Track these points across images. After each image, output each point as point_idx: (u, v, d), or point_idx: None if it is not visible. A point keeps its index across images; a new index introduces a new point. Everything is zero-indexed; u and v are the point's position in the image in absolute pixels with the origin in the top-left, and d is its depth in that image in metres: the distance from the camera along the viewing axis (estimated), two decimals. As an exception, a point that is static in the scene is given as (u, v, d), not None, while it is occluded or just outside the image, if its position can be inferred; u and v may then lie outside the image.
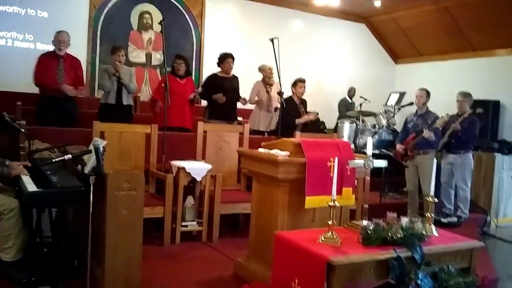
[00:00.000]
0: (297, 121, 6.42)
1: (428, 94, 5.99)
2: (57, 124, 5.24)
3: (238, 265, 3.82)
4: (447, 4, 8.42)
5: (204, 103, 6.66)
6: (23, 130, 4.07)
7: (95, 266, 3.18)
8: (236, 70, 6.45)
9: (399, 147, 6.03)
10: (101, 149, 3.16)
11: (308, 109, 6.76)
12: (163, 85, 5.58)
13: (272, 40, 5.83)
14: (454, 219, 6.10)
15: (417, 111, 6.09)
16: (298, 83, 6.55)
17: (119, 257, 3.05)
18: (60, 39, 5.48)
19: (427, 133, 5.67)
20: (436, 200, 3.37)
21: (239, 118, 6.67)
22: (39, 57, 5.54)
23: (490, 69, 8.46)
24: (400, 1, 8.68)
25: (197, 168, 4.66)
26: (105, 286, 3.04)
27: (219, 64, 6.28)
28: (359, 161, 3.30)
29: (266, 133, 6.48)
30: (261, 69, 6.78)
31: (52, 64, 5.44)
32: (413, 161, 5.90)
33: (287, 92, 6.56)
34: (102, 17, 7.54)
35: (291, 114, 6.36)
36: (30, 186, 3.06)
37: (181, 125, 5.98)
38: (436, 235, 3.15)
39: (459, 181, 6.19)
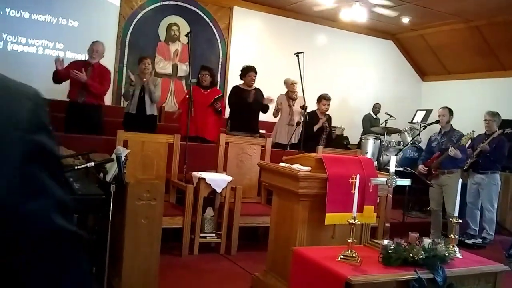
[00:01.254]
0: (315, 127, 6.37)
1: (450, 112, 5.84)
2: (83, 131, 5.31)
3: (256, 280, 3.78)
4: (478, 23, 8.29)
5: (227, 114, 6.66)
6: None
7: (112, 274, 3.19)
8: (261, 83, 6.47)
9: (421, 167, 5.90)
10: (123, 158, 3.19)
11: (333, 125, 6.71)
12: (187, 96, 5.63)
13: (297, 55, 5.84)
14: (479, 240, 5.94)
15: (441, 129, 5.95)
16: (322, 100, 6.53)
17: (136, 266, 3.06)
18: (95, 48, 5.59)
19: (453, 151, 5.52)
20: (460, 221, 3.28)
21: (261, 131, 6.66)
22: (70, 62, 5.65)
23: (520, 89, 8.29)
24: (429, 18, 8.59)
25: (217, 180, 4.66)
26: (122, 295, 3.05)
27: (241, 77, 6.31)
28: (381, 179, 3.24)
29: (288, 147, 6.45)
30: (285, 82, 6.79)
31: (80, 70, 5.51)
32: (438, 180, 5.76)
33: (312, 107, 6.54)
34: (131, 28, 7.68)
35: (314, 129, 6.35)
36: (52, 192, 3.09)
37: (203, 135, 5.98)
38: (460, 257, 3.07)
39: (485, 202, 6.04)
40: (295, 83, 6.56)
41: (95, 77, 5.57)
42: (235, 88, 6.35)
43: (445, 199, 5.74)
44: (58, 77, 5.51)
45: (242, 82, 6.33)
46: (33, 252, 0.63)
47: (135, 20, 7.71)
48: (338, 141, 7.99)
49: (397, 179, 3.14)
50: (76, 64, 5.62)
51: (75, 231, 0.67)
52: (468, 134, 5.60)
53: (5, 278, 0.61)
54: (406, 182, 3.38)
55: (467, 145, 5.76)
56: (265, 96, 6.35)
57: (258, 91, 6.34)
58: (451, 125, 5.88)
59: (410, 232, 2.97)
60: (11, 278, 0.62)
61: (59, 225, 0.64)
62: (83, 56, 5.76)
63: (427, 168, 5.81)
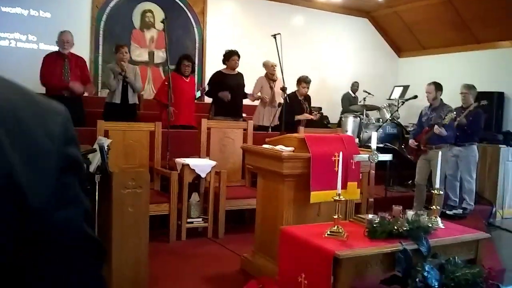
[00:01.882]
0: (297, 117, 6.40)
1: (437, 87, 5.79)
2: None
3: (245, 261, 3.83)
4: (451, -3, 8.39)
5: (208, 100, 6.65)
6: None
7: (102, 264, 3.19)
8: (239, 67, 6.46)
9: (411, 142, 5.91)
10: (106, 147, 3.17)
11: (312, 105, 6.76)
12: (166, 83, 5.59)
13: (274, 36, 5.84)
14: (460, 211, 6.09)
15: (430, 104, 5.93)
16: (301, 82, 6.52)
17: (125, 255, 3.07)
18: (64, 38, 5.50)
19: (437, 129, 5.55)
20: (442, 192, 3.37)
21: (244, 115, 6.68)
22: (44, 57, 5.56)
23: (494, 61, 8.43)
24: (402, -6, 8.66)
25: (201, 165, 4.67)
26: (113, 284, 3.06)
27: (224, 61, 6.28)
28: (363, 156, 3.31)
29: (270, 129, 6.48)
30: (265, 65, 6.79)
31: (58, 64, 5.45)
32: (426, 155, 5.79)
33: (291, 88, 6.56)
34: (104, 16, 7.55)
35: (295, 110, 6.38)
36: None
37: (188, 123, 5.99)
38: (442, 227, 3.16)
39: (464, 173, 6.18)
40: (275, 65, 6.57)
41: (74, 68, 5.50)
42: (218, 73, 6.32)
43: (432, 174, 5.81)
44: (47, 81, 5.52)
45: (224, 66, 6.30)
46: (64, 257, 0.68)
47: (108, 8, 7.58)
48: (318, 121, 8.05)
49: (378, 155, 3.20)
50: (52, 58, 5.51)
51: (98, 239, 0.73)
52: (451, 112, 5.61)
53: (36, 279, 0.66)
54: (387, 157, 3.45)
55: (452, 122, 5.77)
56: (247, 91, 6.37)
57: (240, 75, 6.34)
58: (441, 99, 5.85)
59: (393, 206, 3.05)
60: (42, 280, 0.66)
61: (87, 232, 0.70)
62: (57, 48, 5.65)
63: (417, 143, 5.86)
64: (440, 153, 3.53)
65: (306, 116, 6.52)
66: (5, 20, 6.92)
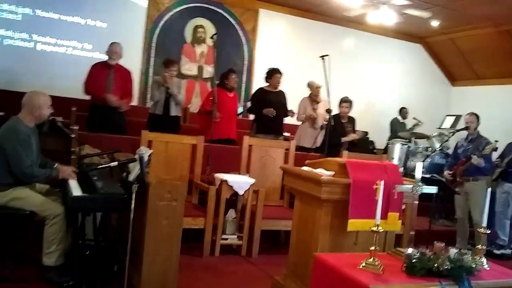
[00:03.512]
0: (343, 139, 6.31)
1: (478, 118, 5.67)
2: (105, 132, 5.36)
3: (276, 283, 3.74)
4: (509, 28, 8.08)
5: (251, 116, 6.65)
6: (73, 136, 4.19)
7: (133, 273, 3.20)
8: (285, 86, 6.44)
9: (446, 173, 5.75)
10: (146, 158, 3.19)
11: (357, 128, 6.63)
12: (211, 98, 5.64)
13: (323, 57, 5.78)
14: (509, 251, 5.78)
15: (468, 135, 5.77)
16: (341, 102, 6.47)
17: (156, 265, 3.06)
18: (113, 49, 5.63)
19: (475, 160, 5.37)
20: (489, 230, 3.18)
21: (286, 134, 6.63)
22: (91, 66, 5.72)
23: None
24: (459, 22, 8.41)
25: (240, 182, 4.65)
26: (141, 294, 3.05)
27: (267, 79, 6.30)
28: (407, 186, 3.17)
29: (312, 150, 6.39)
30: (309, 85, 6.73)
31: (103, 74, 5.56)
32: (463, 188, 5.59)
33: (336, 110, 6.47)
34: (157, 30, 7.75)
35: (337, 132, 6.27)
36: (76, 190, 3.13)
37: (228, 137, 6.01)
38: (487, 268, 2.96)
39: (516, 212, 5.86)
40: (320, 87, 6.51)
41: (118, 79, 5.62)
42: (260, 90, 6.34)
43: (471, 207, 5.58)
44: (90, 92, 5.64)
45: (267, 84, 6.31)
46: None
47: (162, 22, 7.78)
48: (363, 145, 7.88)
49: (423, 187, 3.06)
50: (98, 68, 5.65)
51: None
52: (492, 143, 5.41)
53: None
54: (432, 189, 3.28)
55: (491, 154, 5.56)
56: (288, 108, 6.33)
57: (281, 93, 6.31)
58: (478, 131, 5.71)
59: (435, 242, 2.88)
60: None
61: None
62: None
63: (452, 173, 5.66)
64: (482, 186, 3.33)
65: (352, 137, 6.39)
66: (63, 28, 7.23)
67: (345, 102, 6.46)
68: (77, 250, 3.44)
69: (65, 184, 3.37)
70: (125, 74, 5.75)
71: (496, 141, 5.50)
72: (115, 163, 3.42)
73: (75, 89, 6.65)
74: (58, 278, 3.26)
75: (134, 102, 7.41)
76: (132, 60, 6.56)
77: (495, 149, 5.53)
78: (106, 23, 7.42)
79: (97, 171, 3.54)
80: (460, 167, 5.60)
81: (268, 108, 6.07)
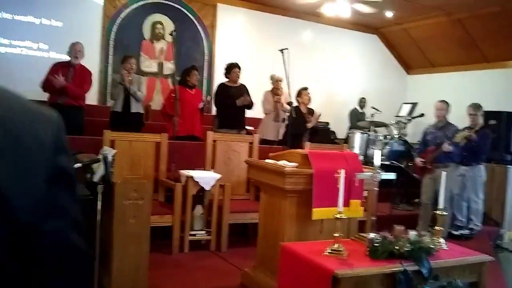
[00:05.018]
0: (308, 125, 6.43)
1: (448, 105, 5.79)
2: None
3: (246, 276, 3.81)
4: (460, 16, 8.37)
5: (213, 112, 6.68)
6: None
7: (102, 273, 3.20)
8: (247, 80, 6.49)
9: (418, 160, 5.89)
10: (110, 158, 3.19)
11: (319, 120, 6.78)
12: (173, 95, 5.64)
13: (282, 51, 5.86)
14: (466, 231, 6.02)
15: (437, 123, 5.89)
16: (302, 91, 6.66)
17: (126, 265, 3.07)
18: (77, 48, 5.57)
19: (446, 147, 5.51)
20: (446, 212, 3.34)
21: (248, 127, 6.69)
22: (52, 64, 5.61)
23: (503, 81, 8.39)
24: (412, 12, 8.66)
25: (206, 178, 4.68)
26: (112, 294, 3.06)
27: (226, 75, 6.34)
28: (366, 174, 3.29)
29: (275, 143, 6.48)
30: (271, 78, 6.80)
31: (62, 73, 5.50)
32: (433, 174, 5.75)
33: (295, 102, 6.59)
34: (115, 27, 7.63)
35: (299, 123, 6.40)
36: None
37: (191, 134, 6.03)
38: (446, 248, 3.12)
39: (471, 193, 6.12)
40: (280, 80, 6.60)
41: (76, 78, 5.54)
42: (221, 85, 6.37)
43: (439, 193, 5.75)
44: (47, 86, 5.50)
45: (227, 79, 6.35)
46: (52, 266, 0.68)
47: (119, 19, 7.66)
48: (325, 135, 8.04)
49: (382, 173, 3.19)
50: (58, 67, 5.57)
51: (87, 249, 0.73)
52: (463, 132, 5.54)
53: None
54: (390, 176, 3.43)
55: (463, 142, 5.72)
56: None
57: (242, 87, 6.36)
58: (446, 119, 5.84)
59: (395, 225, 3.01)
60: None
61: (75, 243, 0.70)
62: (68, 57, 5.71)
63: (423, 160, 5.82)
64: (444, 173, 3.48)
65: (313, 120, 6.53)
66: (17, 28, 7.01)
67: (305, 89, 6.65)
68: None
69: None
70: (85, 74, 5.67)
71: (469, 131, 5.63)
72: (79, 165, 3.39)
73: (31, 90, 6.45)
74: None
75: (94, 101, 7.31)
76: (91, 59, 6.43)
77: (469, 137, 5.62)
78: (61, 22, 7.25)
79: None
80: (429, 155, 5.75)
81: (240, 98, 6.09)
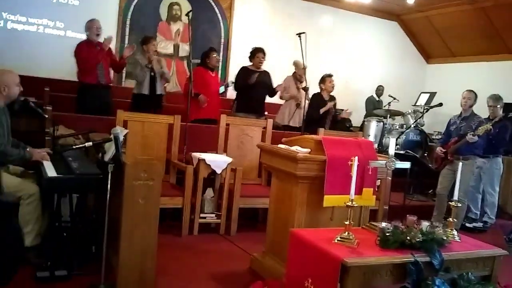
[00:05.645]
0: (321, 110, 6.32)
1: (475, 95, 5.62)
2: (95, 113, 5.30)
3: (254, 260, 3.80)
4: (484, 5, 8.16)
5: (230, 95, 6.62)
6: (46, 116, 4.13)
7: (111, 253, 3.20)
8: (265, 64, 6.41)
9: (439, 149, 5.73)
10: (121, 138, 3.17)
11: (337, 107, 6.66)
12: (187, 77, 5.62)
13: (299, 35, 5.75)
14: (480, 224, 5.94)
15: (461, 113, 5.72)
16: (326, 78, 6.46)
17: (134, 245, 3.06)
18: (97, 25, 5.55)
19: (470, 138, 5.35)
20: (460, 204, 3.27)
21: (267, 113, 6.61)
22: (78, 45, 5.59)
23: (525, 72, 8.20)
24: (434, -1, 8.47)
25: (217, 161, 4.65)
26: (120, 274, 3.06)
27: (250, 58, 6.25)
28: (380, 162, 3.23)
29: (294, 129, 6.38)
30: (295, 64, 6.63)
31: (91, 50, 5.50)
32: (452, 166, 5.63)
33: (315, 89, 6.48)
34: (132, 7, 7.59)
35: (318, 108, 6.29)
36: (50, 171, 3.10)
37: (212, 117, 5.97)
38: (458, 240, 3.06)
39: (487, 186, 6.02)
40: (306, 68, 6.37)
41: (106, 56, 5.58)
42: (244, 69, 6.28)
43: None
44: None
45: (250, 63, 6.27)
46: None
47: (136, -1, 7.62)
48: (341, 123, 7.94)
49: (396, 162, 3.12)
50: (85, 46, 5.55)
51: None
52: (486, 125, 5.42)
53: None
54: (405, 165, 3.36)
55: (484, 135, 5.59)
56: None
57: (265, 73, 6.28)
58: (472, 109, 5.66)
59: (408, 215, 2.96)
60: None
61: None
62: (85, 36, 5.69)
63: (444, 151, 5.70)
64: (460, 164, 3.40)
65: (329, 105, 6.41)
66: (34, 6, 7.02)
67: (329, 77, 6.47)
68: (54, 232, 3.42)
69: (40, 166, 3.33)
70: (109, 51, 5.75)
71: (492, 124, 5.46)
72: (90, 143, 3.39)
73: (49, 69, 6.52)
74: (34, 259, 3.25)
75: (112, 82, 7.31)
76: (106, 39, 6.41)
77: (490, 131, 5.46)
78: (78, 0, 7.23)
79: (72, 152, 3.51)
80: (452, 146, 5.63)
81: (252, 77, 6.01)
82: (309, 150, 3.36)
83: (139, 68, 5.72)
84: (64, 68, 6.00)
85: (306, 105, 6.11)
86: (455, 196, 3.32)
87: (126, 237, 3.04)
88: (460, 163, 3.49)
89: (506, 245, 5.36)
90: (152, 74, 5.71)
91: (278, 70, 6.80)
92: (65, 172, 3.10)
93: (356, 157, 2.89)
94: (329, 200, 3.22)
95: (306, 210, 3.32)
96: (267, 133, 5.38)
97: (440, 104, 5.97)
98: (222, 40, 8.34)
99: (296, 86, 6.56)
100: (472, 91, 5.67)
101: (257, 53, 6.17)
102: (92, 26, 5.55)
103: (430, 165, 5.80)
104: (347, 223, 2.74)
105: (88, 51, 5.47)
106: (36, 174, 3.48)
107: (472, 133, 5.35)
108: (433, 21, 9.40)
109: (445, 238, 2.84)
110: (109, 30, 7.07)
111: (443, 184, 5.73)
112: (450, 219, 3.18)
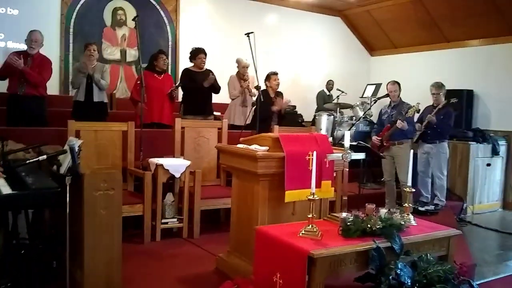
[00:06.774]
0: (272, 108, 6.45)
1: (399, 85, 6.05)
2: (25, 124, 5.12)
3: (220, 261, 3.82)
4: (421, -4, 8.51)
5: (179, 98, 6.58)
6: (-6, 132, 3.96)
7: (74, 268, 3.13)
8: (213, 65, 6.42)
9: (374, 138, 6.09)
10: (77, 148, 3.11)
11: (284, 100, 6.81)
12: (138, 82, 5.54)
13: (248, 35, 5.81)
14: (432, 207, 6.21)
15: (390, 102, 6.15)
16: (271, 76, 6.65)
17: (98, 257, 3.01)
18: (33, 38, 5.35)
19: (400, 123, 5.73)
20: (413, 189, 3.42)
21: (216, 113, 6.63)
22: (10, 54, 5.41)
23: (463, 60, 8.60)
24: (374, -7, 8.74)
25: (175, 165, 4.63)
26: (85, 286, 3.00)
27: (191, 60, 6.25)
28: (337, 154, 3.33)
29: (243, 128, 6.45)
30: (237, 62, 6.71)
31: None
32: (389, 151, 5.96)
33: (263, 86, 6.57)
34: (74, 14, 7.38)
35: (267, 107, 6.40)
36: (4, 188, 2.98)
37: (160, 121, 5.94)
38: (415, 224, 3.21)
39: (435, 170, 6.31)
40: (247, 66, 6.51)
41: (35, 68, 5.35)
42: (186, 70, 6.27)
43: (397, 169, 5.94)
44: (6, 71, 5.32)
45: (192, 64, 6.26)
46: None
47: (78, 5, 7.40)
48: (292, 119, 8.08)
49: (352, 154, 3.23)
50: (17, 56, 5.37)
51: None
52: (414, 106, 5.80)
53: None
54: (360, 156, 3.48)
55: (414, 117, 5.96)
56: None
57: (208, 72, 6.29)
58: (400, 98, 6.08)
59: (367, 204, 3.07)
60: None
61: None
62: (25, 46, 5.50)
63: (380, 139, 5.99)
64: (407, 149, 3.58)
65: (279, 104, 6.55)
66: (-29, 17, 6.70)
67: (274, 74, 6.65)
68: (12, 250, 3.30)
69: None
70: (43, 63, 5.47)
71: (418, 103, 5.87)
72: (44, 157, 3.29)
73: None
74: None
75: (55, 91, 7.08)
76: (50, 47, 6.23)
77: (418, 111, 5.92)
78: (17, 9, 6.95)
79: (24, 167, 3.39)
80: (385, 133, 5.94)
81: (208, 80, 5.99)
82: (267, 148, 3.42)
83: (76, 75, 5.61)
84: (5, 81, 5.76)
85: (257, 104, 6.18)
86: (408, 182, 3.46)
87: (89, 249, 2.99)
88: (399, 148, 3.65)
89: (457, 225, 5.66)
90: (89, 81, 5.59)
91: (226, 70, 6.82)
92: (20, 188, 3.00)
93: (315, 152, 2.97)
94: (290, 195, 3.29)
95: (268, 207, 3.38)
96: (223, 133, 5.40)
97: (387, 95, 6.24)
98: (170, 43, 8.27)
99: (240, 85, 6.60)
100: (395, 82, 6.09)
101: (198, 54, 6.17)
102: (28, 37, 5.39)
103: (381, 154, 6.02)
104: (309, 216, 2.82)
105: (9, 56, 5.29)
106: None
107: (402, 119, 5.67)
108: (374, 14, 9.70)
109: (402, 223, 2.97)
110: (52, 38, 6.87)
111: (387, 171, 6.05)
112: (406, 204, 3.32)
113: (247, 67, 6.52)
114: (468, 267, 3.85)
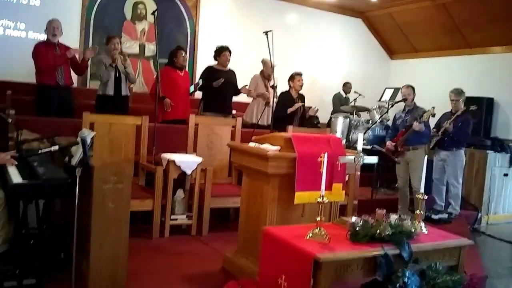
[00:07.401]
0: (289, 110, 6.32)
1: (413, 90, 5.94)
2: (55, 114, 5.18)
3: (227, 260, 3.80)
4: (445, 1, 8.37)
5: (198, 95, 6.58)
6: (9, 120, 4.01)
7: (81, 259, 3.14)
8: (231, 62, 6.39)
9: (389, 143, 5.97)
10: (89, 140, 3.11)
11: (306, 104, 6.71)
12: (154, 77, 5.55)
13: (266, 33, 5.78)
14: (445, 215, 6.10)
15: (405, 107, 6.04)
16: (295, 76, 6.44)
17: (104, 250, 3.02)
18: (55, 25, 5.45)
19: (417, 126, 5.61)
20: (426, 196, 3.36)
21: (234, 112, 6.60)
22: (35, 45, 5.47)
23: (484, 66, 8.44)
24: (396, -4, 8.64)
25: (187, 161, 4.63)
26: (90, 279, 3.01)
27: (215, 57, 6.21)
28: (349, 157, 3.28)
29: (263, 127, 6.39)
30: (264, 63, 6.62)
31: (49, 51, 5.38)
32: (404, 157, 5.85)
33: (283, 86, 6.51)
34: (95, 7, 7.44)
35: (285, 107, 6.31)
36: (15, 177, 3.01)
37: (183, 117, 5.86)
38: (426, 232, 3.14)
39: (451, 178, 6.20)
40: (274, 67, 6.30)
41: (64, 56, 5.44)
42: (209, 68, 6.24)
43: (411, 175, 5.84)
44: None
45: (216, 62, 6.23)
46: None
47: (100, -2, 7.48)
48: (309, 120, 8.01)
49: (364, 157, 3.18)
50: (43, 46, 5.44)
51: None
52: (429, 110, 5.68)
53: None
54: (373, 160, 3.42)
55: (429, 120, 5.84)
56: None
57: (231, 72, 6.26)
58: (414, 102, 5.97)
59: (377, 209, 3.02)
60: None
61: None
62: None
63: (394, 144, 5.89)
64: (422, 154, 3.51)
65: (296, 105, 6.40)
66: (-6, 7, 6.79)
67: (299, 75, 6.43)
68: (21, 240, 3.33)
69: (4, 172, 3.23)
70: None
71: (433, 107, 5.74)
72: (56, 147, 3.31)
73: (11, 71, 6.34)
74: (1, 266, 3.16)
75: (73, 83, 7.15)
76: (70, 39, 6.26)
77: (433, 115, 5.79)
78: (39, 0, 7.04)
79: (37, 157, 3.41)
80: (400, 138, 5.85)
81: (217, 80, 5.94)
82: (279, 147, 3.38)
83: (103, 68, 5.60)
84: (26, 70, 5.82)
85: (275, 104, 6.13)
86: (421, 189, 3.39)
87: (96, 242, 3.00)
88: (415, 152, 3.58)
89: (470, 235, 5.55)
90: (117, 74, 5.60)
91: (244, 68, 6.80)
92: (31, 178, 3.02)
93: (326, 154, 2.93)
94: (300, 197, 3.26)
95: (277, 207, 3.35)
96: (236, 132, 5.38)
97: (404, 100, 6.14)
98: (189, 39, 8.28)
99: (264, 84, 6.57)
100: (409, 86, 5.99)
101: (223, 52, 6.14)
102: (48, 26, 5.48)
103: (396, 159, 5.94)
104: (318, 219, 2.78)
105: (45, 52, 5.36)
106: (1, 179, 3.37)
107: (418, 121, 5.55)
108: (396, 17, 9.59)
109: (413, 230, 2.91)
110: (72, 31, 6.93)
111: (401, 177, 5.95)
112: (417, 211, 3.26)
113: (274, 67, 6.36)
114: (479, 278, 3.78)
